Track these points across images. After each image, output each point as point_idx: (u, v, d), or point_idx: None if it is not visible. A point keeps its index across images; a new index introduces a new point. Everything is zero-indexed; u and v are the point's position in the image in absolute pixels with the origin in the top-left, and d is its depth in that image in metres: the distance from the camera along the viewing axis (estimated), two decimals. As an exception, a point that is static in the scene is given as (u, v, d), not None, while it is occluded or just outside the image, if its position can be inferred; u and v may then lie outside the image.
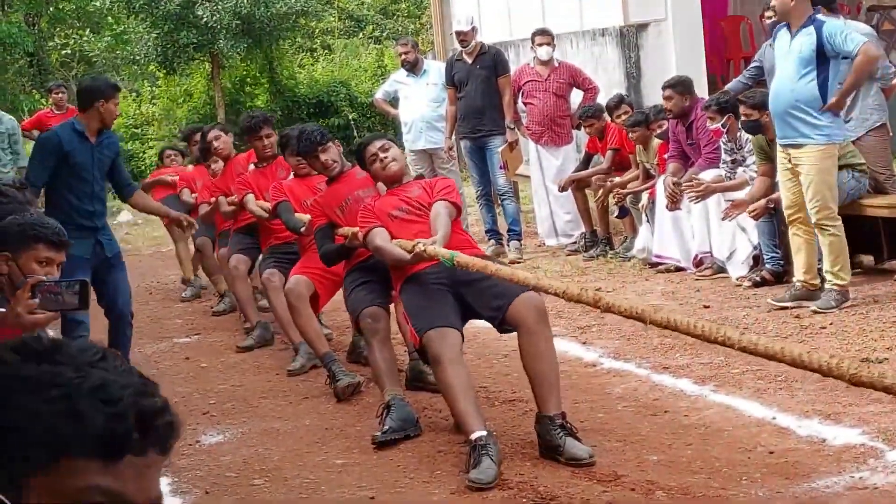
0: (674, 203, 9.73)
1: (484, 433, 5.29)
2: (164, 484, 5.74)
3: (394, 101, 12.94)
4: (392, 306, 6.48)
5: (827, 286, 7.79)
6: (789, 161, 7.83)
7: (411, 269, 5.86)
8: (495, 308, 5.62)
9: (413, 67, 12.40)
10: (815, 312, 7.68)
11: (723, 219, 9.00)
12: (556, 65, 11.67)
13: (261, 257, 8.53)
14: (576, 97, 11.77)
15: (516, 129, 11.67)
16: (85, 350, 1.56)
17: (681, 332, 4.36)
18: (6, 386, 1.51)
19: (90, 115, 7.13)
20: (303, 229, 7.37)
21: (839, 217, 7.76)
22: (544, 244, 12.17)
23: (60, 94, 14.88)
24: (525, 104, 11.80)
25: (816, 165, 7.66)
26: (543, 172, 11.85)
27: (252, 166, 8.93)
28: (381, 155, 6.33)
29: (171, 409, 1.57)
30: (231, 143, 9.62)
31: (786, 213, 8.03)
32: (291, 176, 8.16)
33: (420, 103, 12.22)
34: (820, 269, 7.95)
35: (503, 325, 5.70)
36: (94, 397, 1.49)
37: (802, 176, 7.72)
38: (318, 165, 7.09)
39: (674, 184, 9.66)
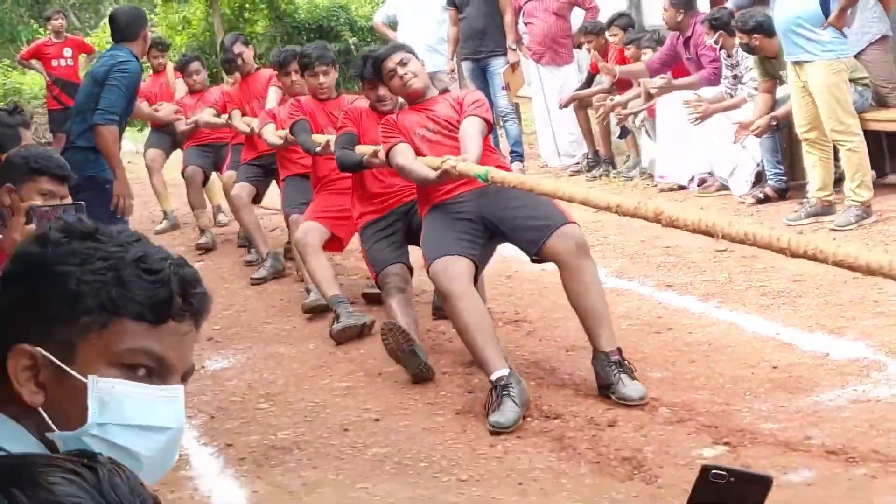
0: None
1: (505, 372, 4.99)
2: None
3: (394, 24, 12.82)
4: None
5: (847, 202, 7.73)
6: (799, 78, 7.77)
7: (437, 196, 5.47)
8: (530, 241, 5.23)
9: (413, -11, 12.29)
10: (833, 230, 7.61)
11: (734, 142, 8.93)
12: (557, -17, 11.55)
13: (284, 191, 8.09)
14: (577, 18, 11.65)
15: (518, 50, 11.59)
16: (122, 231, 1.75)
17: (760, 246, 3.90)
18: (57, 260, 1.67)
19: (137, 44, 6.85)
20: (318, 149, 6.98)
21: (858, 132, 7.68)
22: (547, 165, 12.14)
23: (59, 21, 14.70)
24: (526, 24, 11.70)
25: (824, 82, 7.60)
26: (545, 93, 11.76)
27: (273, 91, 8.70)
28: (401, 71, 5.71)
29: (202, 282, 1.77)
30: (252, 57, 9.41)
31: (798, 130, 7.98)
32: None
33: (419, 26, 12.11)
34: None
35: (538, 258, 5.33)
36: (138, 267, 1.68)
37: (814, 93, 7.66)
38: (373, 97, 6.52)
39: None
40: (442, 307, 5.68)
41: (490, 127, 5.67)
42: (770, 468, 4.08)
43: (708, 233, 3.99)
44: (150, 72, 11.26)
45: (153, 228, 11.03)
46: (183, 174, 10.35)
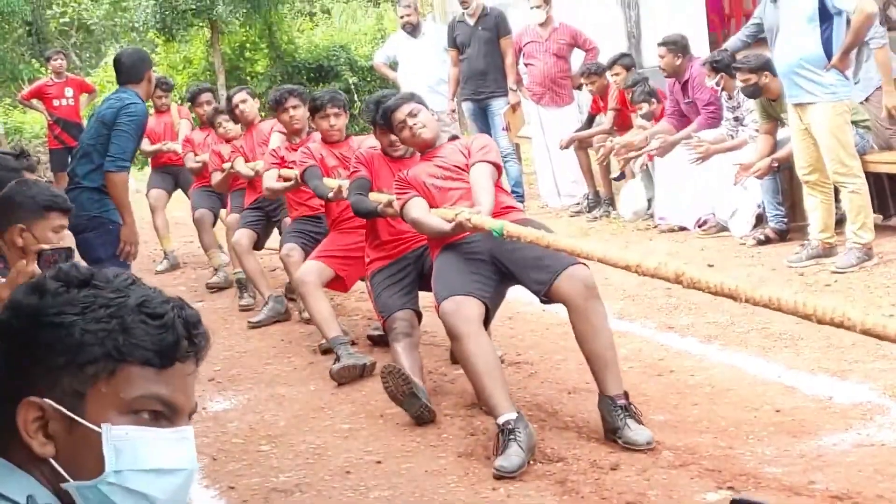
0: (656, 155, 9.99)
1: (513, 416, 4.95)
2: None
3: (394, 64, 12.88)
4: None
5: (848, 244, 7.74)
6: (801, 120, 7.78)
7: (449, 238, 5.48)
8: (539, 282, 5.19)
9: (413, 30, 12.36)
10: (835, 272, 7.60)
11: (734, 184, 8.95)
12: (557, 26, 11.62)
13: (285, 230, 8.16)
14: (577, 59, 11.71)
15: (518, 91, 11.64)
16: (118, 275, 1.74)
17: (785, 311, 3.66)
18: (57, 311, 1.66)
19: (142, 86, 6.90)
20: (331, 195, 6.97)
21: (860, 174, 7.70)
22: (547, 205, 12.16)
23: (59, 61, 14.77)
24: (526, 65, 11.76)
25: (827, 124, 7.60)
26: (545, 133, 11.81)
27: (276, 136, 8.66)
28: (410, 122, 5.88)
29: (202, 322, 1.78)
30: (256, 108, 9.37)
31: (800, 173, 7.99)
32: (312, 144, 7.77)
33: (420, 66, 12.17)
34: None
35: (547, 299, 5.28)
36: (141, 312, 1.67)
37: (816, 135, 7.68)
38: (385, 142, 6.57)
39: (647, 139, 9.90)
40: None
41: (500, 170, 5.72)
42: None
43: (731, 296, 3.81)
44: (153, 110, 11.29)
45: (153, 268, 11.06)
46: (193, 219, 10.33)
